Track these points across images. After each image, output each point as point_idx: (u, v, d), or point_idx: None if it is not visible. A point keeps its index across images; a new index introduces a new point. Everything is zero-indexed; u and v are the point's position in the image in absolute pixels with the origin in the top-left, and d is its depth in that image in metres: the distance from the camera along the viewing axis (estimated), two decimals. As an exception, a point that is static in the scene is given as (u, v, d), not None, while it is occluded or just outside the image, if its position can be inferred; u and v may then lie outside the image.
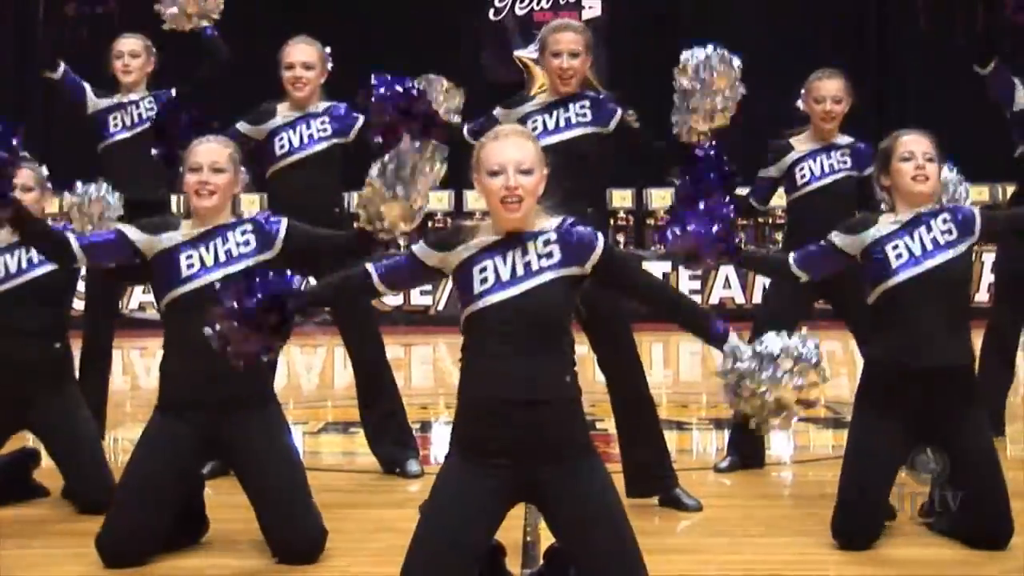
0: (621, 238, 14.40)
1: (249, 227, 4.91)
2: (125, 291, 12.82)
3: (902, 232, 4.94)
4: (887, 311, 4.93)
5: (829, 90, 6.30)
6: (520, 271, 4.03)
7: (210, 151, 4.93)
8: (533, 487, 4.05)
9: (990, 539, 4.89)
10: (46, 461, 6.01)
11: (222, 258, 4.84)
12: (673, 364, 11.69)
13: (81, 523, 5.33)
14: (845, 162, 6.31)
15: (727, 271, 13.81)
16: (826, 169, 6.30)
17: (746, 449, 6.39)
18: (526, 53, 15.12)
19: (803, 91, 6.39)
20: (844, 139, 6.39)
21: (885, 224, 4.97)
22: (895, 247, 4.91)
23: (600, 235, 4.13)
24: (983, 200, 13.95)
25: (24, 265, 5.61)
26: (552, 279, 4.04)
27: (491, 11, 15.64)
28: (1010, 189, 13.90)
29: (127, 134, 6.96)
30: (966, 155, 13.31)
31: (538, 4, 15.50)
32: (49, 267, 5.55)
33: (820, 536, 4.99)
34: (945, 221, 4.95)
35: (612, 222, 14.24)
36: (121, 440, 7.06)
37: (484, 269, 4.04)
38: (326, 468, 6.44)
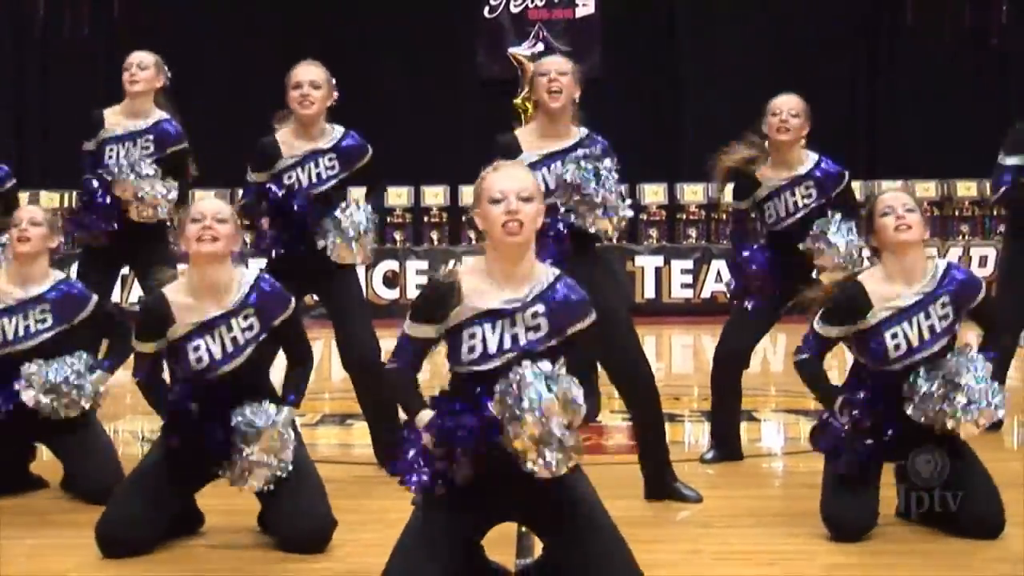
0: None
1: (251, 311, 4.92)
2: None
3: (901, 318, 4.91)
4: (874, 378, 4.98)
5: (787, 104, 6.22)
6: (507, 343, 4.09)
7: (213, 204, 4.93)
8: (513, 511, 4.19)
9: (983, 529, 4.91)
10: (42, 454, 6.07)
11: (229, 348, 4.88)
12: (665, 357, 11.72)
13: (79, 514, 5.38)
14: (810, 195, 6.24)
15: (719, 265, 13.85)
16: (791, 208, 6.25)
17: (721, 443, 6.46)
18: (520, 50, 15.13)
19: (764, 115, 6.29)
20: (807, 165, 6.29)
21: (882, 307, 4.93)
22: (894, 335, 4.90)
23: (592, 312, 4.15)
24: (971, 195, 13.98)
25: (30, 330, 5.70)
26: (533, 351, 4.09)
27: (486, 8, 15.67)
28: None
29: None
30: (960, 152, 13.40)
31: (532, 1, 15.49)
32: (50, 333, 5.71)
33: (811, 527, 5.02)
34: (944, 305, 4.94)
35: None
36: (122, 432, 7.09)
37: (473, 336, 4.10)
38: (323, 460, 6.47)
